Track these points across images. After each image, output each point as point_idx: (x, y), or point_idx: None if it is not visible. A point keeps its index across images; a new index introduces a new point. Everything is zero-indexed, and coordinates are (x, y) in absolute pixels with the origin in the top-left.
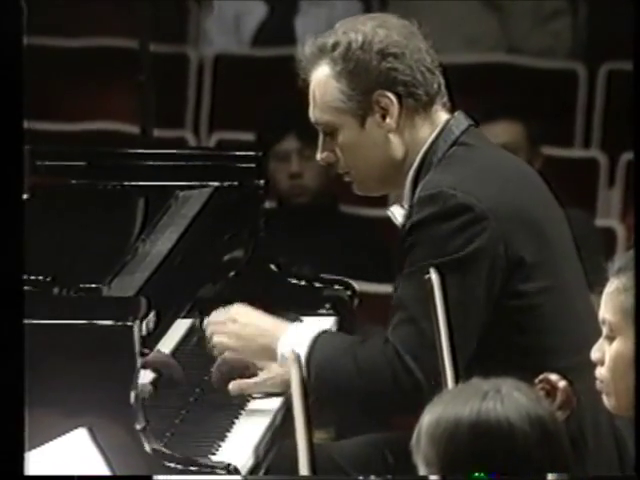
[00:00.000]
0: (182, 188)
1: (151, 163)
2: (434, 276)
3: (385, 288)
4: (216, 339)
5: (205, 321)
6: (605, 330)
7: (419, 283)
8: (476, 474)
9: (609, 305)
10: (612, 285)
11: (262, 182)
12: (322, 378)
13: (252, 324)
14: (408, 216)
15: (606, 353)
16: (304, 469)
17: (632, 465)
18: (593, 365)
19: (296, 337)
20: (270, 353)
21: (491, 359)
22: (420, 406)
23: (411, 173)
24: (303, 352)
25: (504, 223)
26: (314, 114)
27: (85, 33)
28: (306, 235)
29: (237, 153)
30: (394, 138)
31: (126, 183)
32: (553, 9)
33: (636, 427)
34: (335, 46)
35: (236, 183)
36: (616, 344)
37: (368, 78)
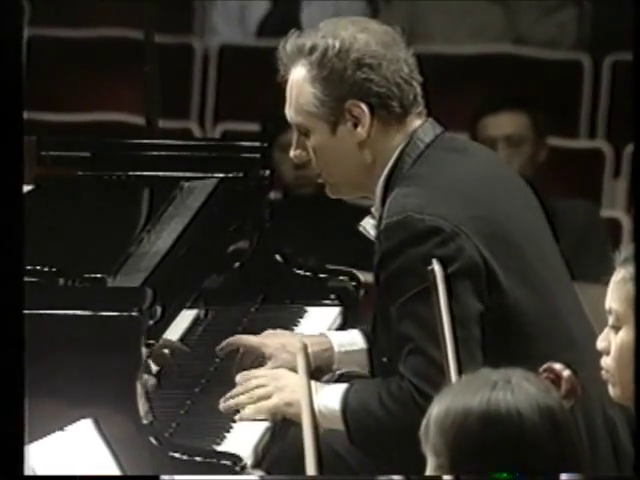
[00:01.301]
0: (187, 179)
1: (156, 154)
2: (437, 267)
3: None
4: (266, 403)
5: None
6: (611, 319)
7: (414, 311)
8: (497, 474)
9: (615, 294)
10: (618, 275)
11: (267, 173)
12: (361, 427)
13: (292, 383)
14: (378, 240)
15: (612, 342)
16: (310, 467)
17: (626, 454)
18: (583, 363)
19: (329, 391)
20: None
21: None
22: None
23: (379, 185)
24: (338, 405)
25: (475, 236)
26: (289, 113)
27: (90, 24)
28: (311, 226)
29: (242, 144)
30: (364, 147)
31: (131, 174)
32: (558, 0)
33: (636, 427)
34: (312, 50)
35: (241, 174)
36: (622, 333)
37: (342, 86)
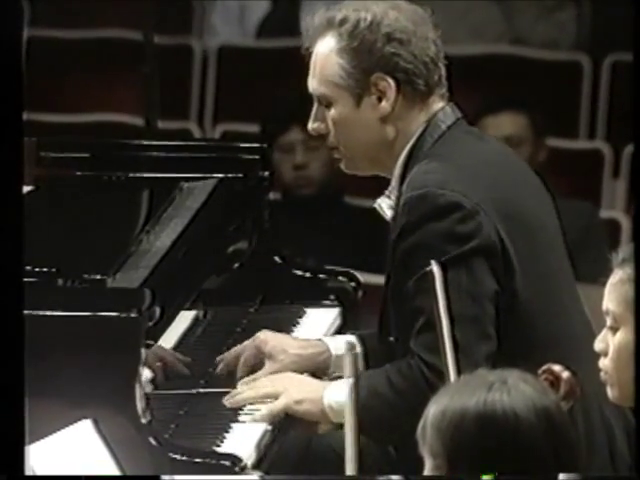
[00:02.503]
0: (186, 180)
1: (155, 155)
2: (435, 268)
3: None
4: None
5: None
6: (609, 321)
7: (429, 287)
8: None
9: (613, 295)
10: (616, 276)
11: (267, 173)
12: (372, 415)
13: (299, 381)
14: (396, 213)
15: (610, 344)
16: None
17: (623, 459)
18: (580, 358)
19: (337, 385)
20: (318, 404)
21: (509, 355)
22: None
23: (399, 164)
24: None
25: (493, 216)
26: (312, 84)
27: (89, 25)
28: (310, 226)
29: (241, 144)
30: (387, 122)
31: (130, 175)
32: (558, 0)
33: (636, 427)
34: (343, 21)
35: (241, 174)
36: (620, 335)
37: (370, 59)
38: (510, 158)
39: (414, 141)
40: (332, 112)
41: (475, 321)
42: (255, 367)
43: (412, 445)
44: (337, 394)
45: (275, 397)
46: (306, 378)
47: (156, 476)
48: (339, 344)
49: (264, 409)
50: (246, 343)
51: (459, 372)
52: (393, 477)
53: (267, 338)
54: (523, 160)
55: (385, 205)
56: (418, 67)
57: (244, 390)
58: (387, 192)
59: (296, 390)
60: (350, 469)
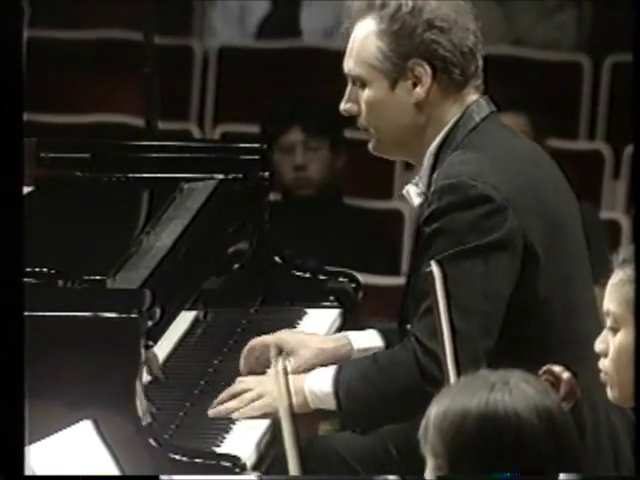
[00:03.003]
0: (187, 180)
1: (156, 155)
2: (435, 270)
3: (389, 280)
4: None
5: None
6: (609, 322)
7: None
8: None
9: (613, 296)
10: (617, 276)
11: (267, 174)
12: (352, 398)
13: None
14: (425, 200)
15: (610, 344)
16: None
17: (626, 462)
18: (594, 360)
19: (319, 372)
20: (300, 394)
21: (497, 351)
22: None
23: (430, 152)
24: (329, 384)
25: (522, 214)
26: (347, 64)
27: (90, 25)
28: (311, 227)
29: (242, 145)
30: (420, 108)
31: (131, 175)
32: (558, 1)
33: (636, 428)
34: (384, 5)
35: (241, 175)
36: (620, 335)
37: (409, 44)
38: (542, 157)
39: (447, 130)
40: (366, 93)
41: (482, 315)
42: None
43: (402, 432)
44: (319, 382)
45: (259, 398)
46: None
47: (155, 476)
48: (362, 338)
49: (248, 408)
50: (267, 339)
51: (458, 369)
52: (390, 477)
53: (288, 336)
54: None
55: (413, 192)
56: (456, 56)
57: (225, 398)
58: (416, 180)
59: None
60: (293, 469)
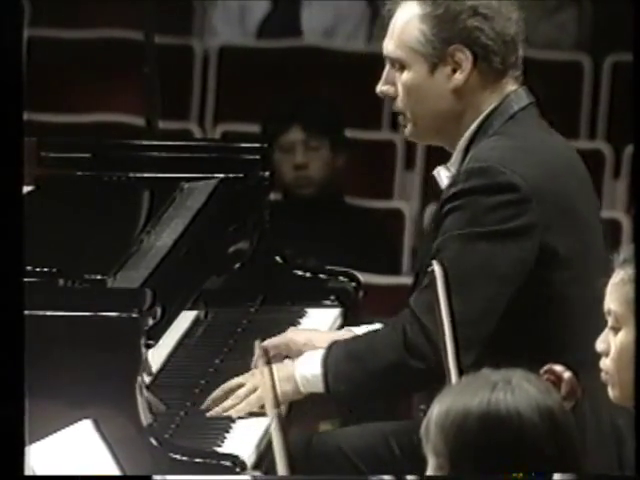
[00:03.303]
0: (187, 180)
1: (156, 155)
2: (437, 268)
3: (390, 280)
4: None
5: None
6: (610, 321)
7: (450, 249)
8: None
9: (614, 296)
10: (617, 276)
11: (267, 174)
12: (339, 377)
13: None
14: (453, 182)
15: (611, 344)
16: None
17: (631, 465)
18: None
19: (309, 356)
20: (292, 380)
21: (508, 344)
22: (439, 377)
23: (465, 137)
24: (318, 366)
25: (546, 208)
26: (387, 46)
27: (90, 25)
28: (311, 227)
29: (242, 145)
30: (458, 95)
31: (131, 175)
32: (558, 1)
33: (636, 428)
34: None
35: (241, 175)
36: (621, 335)
37: (452, 29)
38: (572, 155)
39: (484, 117)
40: (404, 76)
41: (482, 299)
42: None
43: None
44: (309, 365)
45: (254, 391)
46: (278, 364)
47: (148, 476)
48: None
49: (244, 404)
50: (276, 341)
51: (460, 367)
52: (385, 477)
53: (297, 337)
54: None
55: (443, 174)
56: (498, 44)
57: (218, 396)
58: (448, 164)
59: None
60: (281, 469)
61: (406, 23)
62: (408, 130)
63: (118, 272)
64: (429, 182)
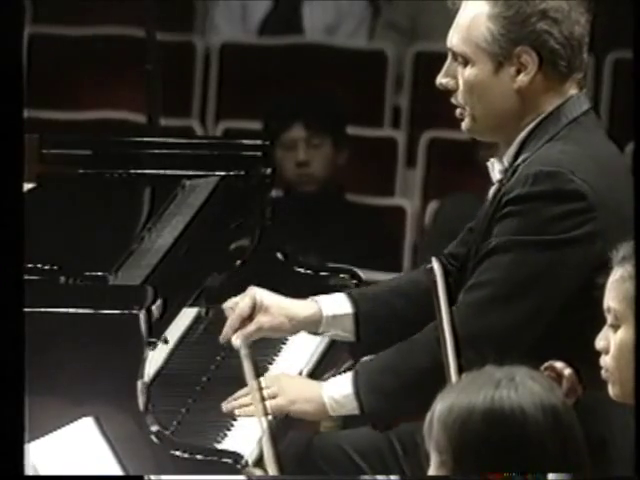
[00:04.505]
0: (189, 177)
1: (158, 152)
2: (436, 266)
3: (391, 277)
4: (272, 403)
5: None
6: (610, 318)
7: (507, 253)
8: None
9: (614, 293)
10: (617, 273)
11: (269, 171)
12: (373, 392)
13: (294, 382)
14: (505, 178)
15: (611, 341)
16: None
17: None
18: None
19: (337, 379)
20: (315, 402)
21: (559, 349)
22: None
23: (523, 134)
24: (349, 386)
25: (608, 218)
26: (452, 39)
27: (92, 22)
28: (312, 224)
29: (244, 142)
30: (520, 96)
31: (133, 172)
32: None
33: (636, 428)
34: None
35: (243, 172)
36: (621, 332)
37: (520, 31)
38: (625, 162)
39: (543, 117)
40: (467, 72)
41: (534, 310)
42: (246, 320)
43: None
44: (338, 386)
45: (272, 398)
46: (302, 379)
47: (139, 476)
48: (332, 304)
49: (259, 406)
50: (239, 297)
51: (459, 365)
52: (392, 477)
53: (263, 293)
54: None
55: (497, 167)
56: (565, 48)
57: (241, 395)
58: (500, 155)
59: (293, 391)
60: (272, 470)
61: (474, 19)
62: (466, 124)
63: (119, 269)
64: (430, 179)
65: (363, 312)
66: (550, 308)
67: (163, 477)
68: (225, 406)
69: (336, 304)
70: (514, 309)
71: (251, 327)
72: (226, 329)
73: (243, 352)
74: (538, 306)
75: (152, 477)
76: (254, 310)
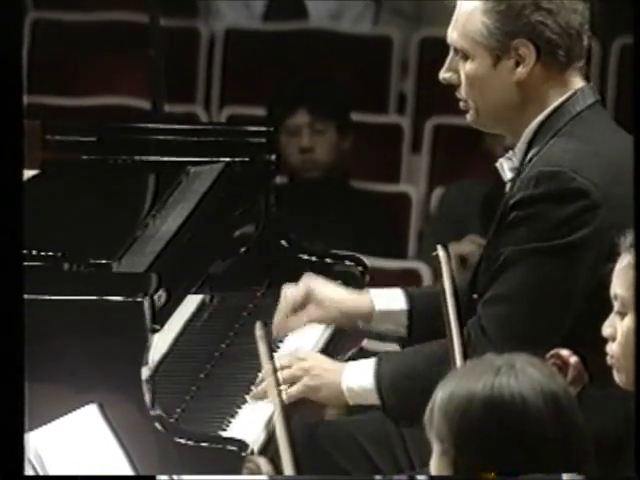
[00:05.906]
0: (193, 163)
1: (162, 138)
2: (442, 254)
3: (396, 264)
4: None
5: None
6: (617, 306)
7: (523, 263)
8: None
9: (621, 280)
10: (624, 260)
11: (273, 157)
12: (395, 392)
13: (317, 364)
14: (517, 176)
15: (618, 328)
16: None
17: None
18: None
19: (357, 368)
20: (335, 388)
21: (578, 347)
22: None
23: (529, 130)
24: (370, 378)
25: (615, 213)
26: (452, 35)
27: (95, 7)
28: (317, 210)
29: (248, 128)
30: (521, 88)
31: (137, 158)
32: None
33: (636, 428)
34: None
35: (247, 158)
36: (628, 319)
37: (515, 23)
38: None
39: (549, 111)
40: (468, 66)
41: (555, 315)
42: (297, 307)
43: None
44: (358, 377)
45: (293, 382)
46: (327, 362)
47: (152, 476)
48: (385, 298)
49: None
50: (296, 292)
51: (465, 352)
52: (396, 477)
53: (317, 285)
54: None
55: (507, 166)
56: (562, 38)
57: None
58: (510, 154)
59: (314, 376)
60: (289, 471)
61: (469, 14)
62: (470, 117)
63: (123, 256)
64: (436, 165)
65: (418, 309)
66: (572, 309)
67: (175, 477)
68: (252, 394)
69: (391, 299)
70: (533, 319)
71: (301, 318)
72: (277, 313)
73: (258, 333)
74: (560, 311)
75: (164, 477)
76: (306, 299)
